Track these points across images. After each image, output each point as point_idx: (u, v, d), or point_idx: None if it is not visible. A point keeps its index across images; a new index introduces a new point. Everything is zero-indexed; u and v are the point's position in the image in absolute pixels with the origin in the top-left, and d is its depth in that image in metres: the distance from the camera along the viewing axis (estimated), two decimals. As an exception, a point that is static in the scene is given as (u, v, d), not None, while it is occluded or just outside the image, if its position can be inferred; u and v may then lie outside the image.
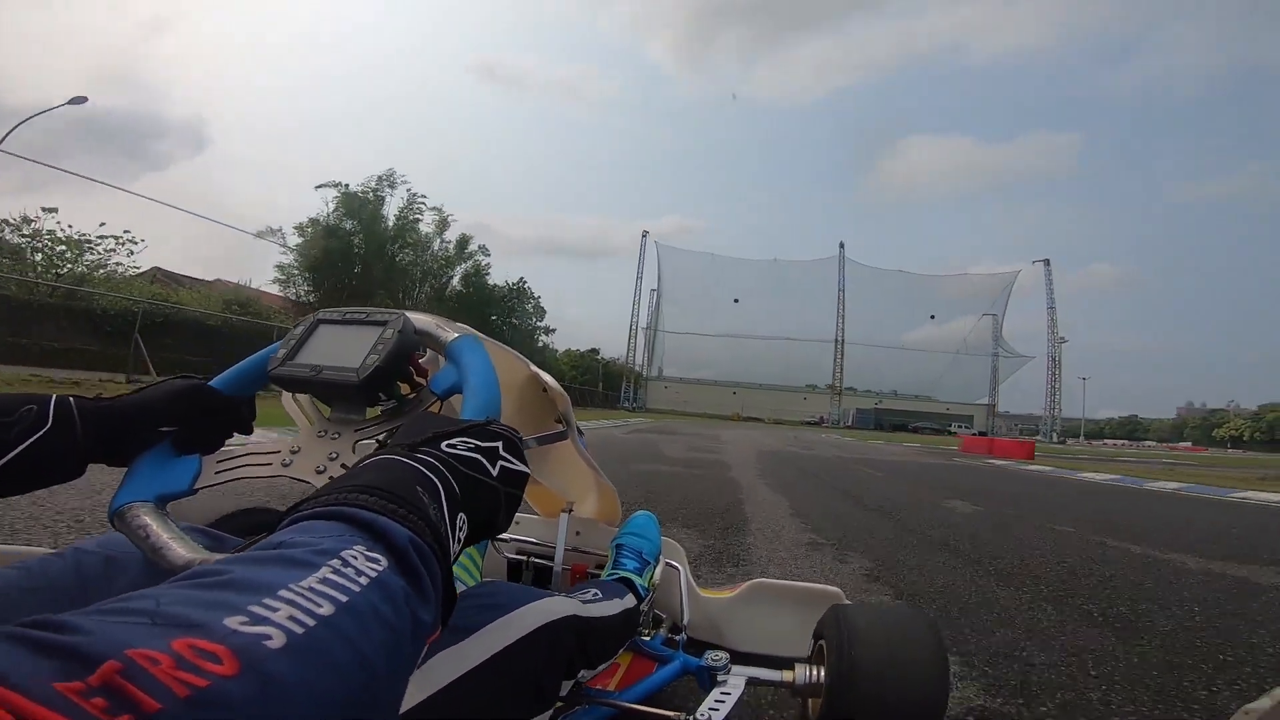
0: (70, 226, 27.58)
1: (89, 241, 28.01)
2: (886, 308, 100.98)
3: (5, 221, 26.57)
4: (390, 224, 43.39)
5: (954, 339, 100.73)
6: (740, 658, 1.47)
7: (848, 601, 1.62)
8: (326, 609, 0.34)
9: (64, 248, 27.57)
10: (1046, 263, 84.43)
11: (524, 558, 1.67)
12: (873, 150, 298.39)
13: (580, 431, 1.45)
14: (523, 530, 1.75)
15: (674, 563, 1.75)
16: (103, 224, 28.60)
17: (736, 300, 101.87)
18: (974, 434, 59.70)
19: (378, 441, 0.87)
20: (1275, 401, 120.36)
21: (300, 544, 0.40)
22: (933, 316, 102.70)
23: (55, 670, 0.25)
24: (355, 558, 0.39)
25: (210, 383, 0.92)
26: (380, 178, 42.95)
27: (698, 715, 1.19)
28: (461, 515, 0.55)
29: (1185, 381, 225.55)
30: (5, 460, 0.71)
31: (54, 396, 0.77)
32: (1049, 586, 3.24)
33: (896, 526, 4.85)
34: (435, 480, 0.54)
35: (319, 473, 0.85)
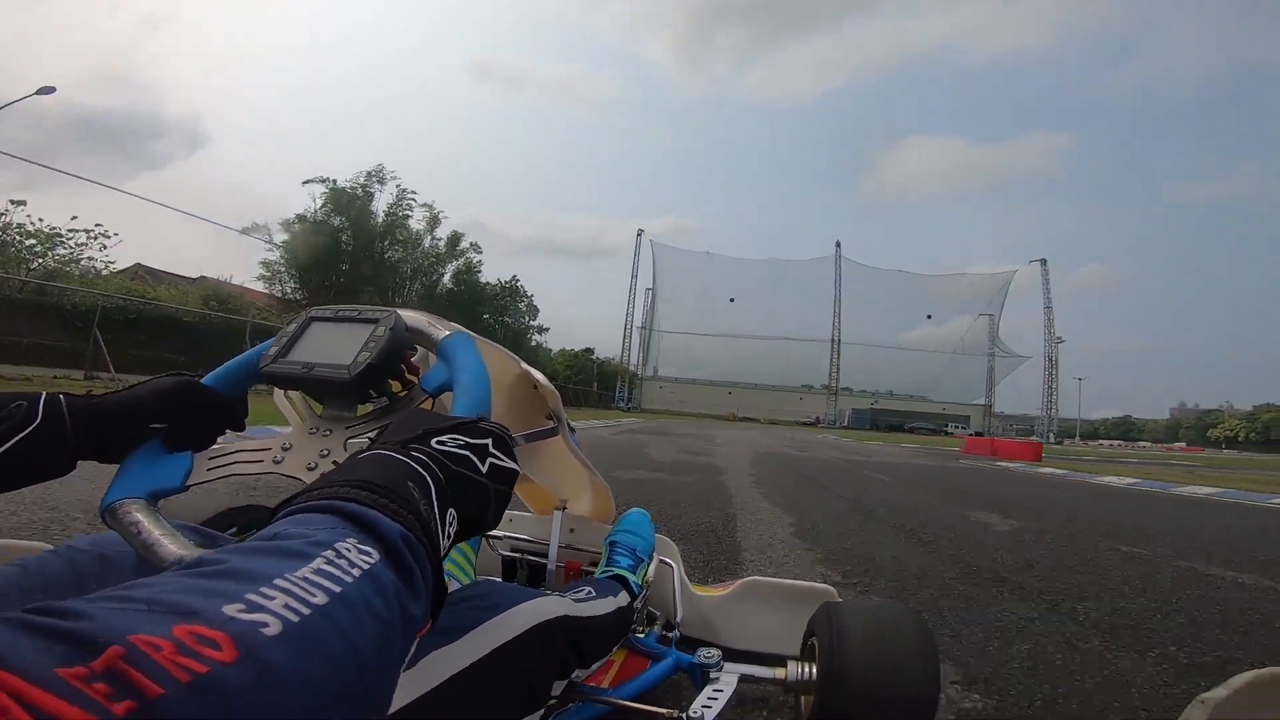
0: (40, 220, 26.86)
1: (59, 235, 27.23)
2: (883, 307, 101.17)
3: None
4: (380, 220, 43.02)
5: (950, 339, 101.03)
6: (733, 655, 1.47)
7: (839, 599, 1.63)
8: (321, 599, 0.34)
9: (33, 241, 26.73)
10: (1043, 262, 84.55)
11: (518, 555, 1.67)
12: (870, 150, 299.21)
13: (572, 428, 1.45)
14: (516, 528, 1.76)
15: (667, 560, 1.76)
16: (74, 218, 27.98)
17: (732, 300, 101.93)
18: (971, 434, 59.78)
19: (369, 439, 0.87)
20: (1270, 402, 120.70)
21: (295, 535, 0.40)
22: (929, 316, 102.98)
23: (58, 656, 0.25)
24: (348, 550, 0.39)
25: (202, 380, 0.92)
26: (369, 173, 42.65)
27: (690, 712, 1.19)
28: (451, 511, 0.56)
29: (1178, 382, 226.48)
30: None
31: (44, 393, 0.77)
32: (1187, 649, 2.39)
33: (926, 552, 4.00)
34: (426, 476, 0.54)
35: (310, 470, 0.85)
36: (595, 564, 1.58)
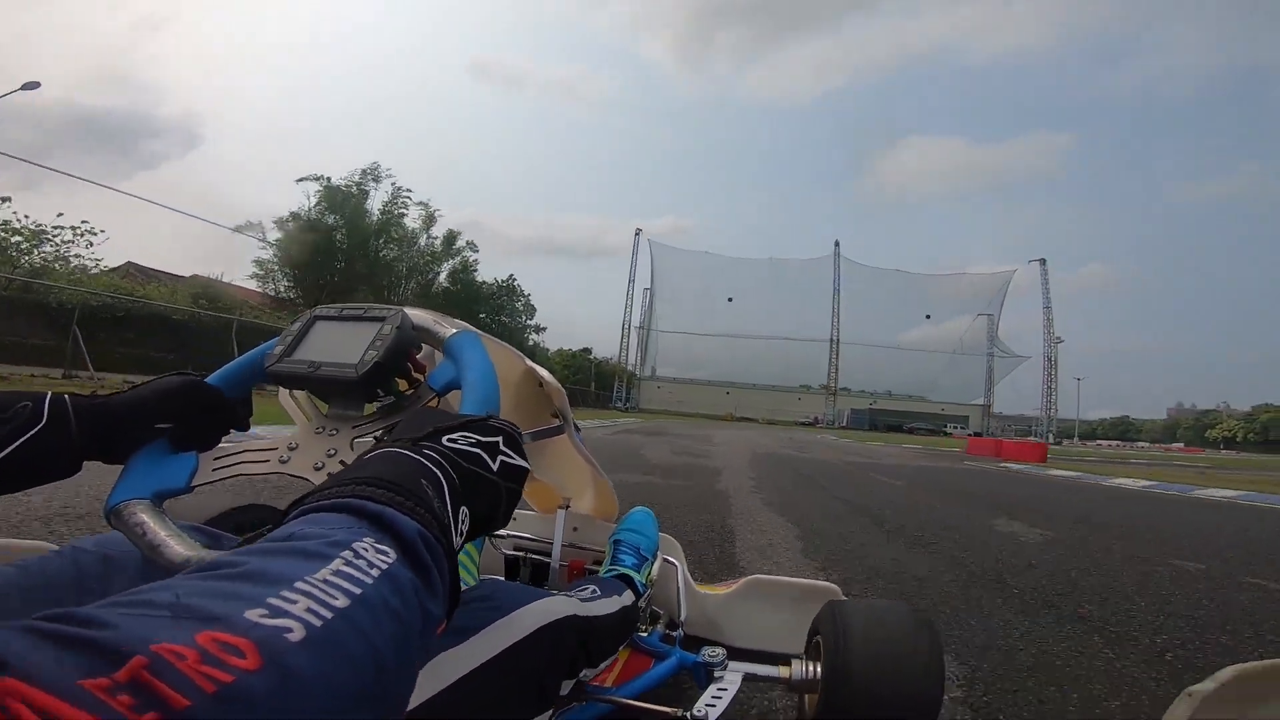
0: (27, 217, 26.36)
1: (45, 233, 26.69)
2: (882, 307, 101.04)
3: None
4: (375, 219, 42.76)
5: (949, 339, 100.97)
6: (737, 654, 1.47)
7: (844, 598, 1.63)
8: (341, 601, 0.34)
9: (19, 239, 26.21)
10: (1042, 262, 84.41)
11: (521, 554, 1.67)
12: (870, 150, 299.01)
13: (577, 427, 1.45)
14: (520, 526, 1.76)
15: (671, 559, 1.76)
16: (60, 214, 27.39)
17: (731, 299, 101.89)
18: (970, 435, 59.82)
19: (375, 438, 0.87)
20: (1268, 402, 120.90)
21: (312, 536, 0.40)
22: (928, 316, 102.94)
23: (80, 666, 0.25)
24: (366, 550, 0.39)
25: (207, 379, 0.92)
26: (364, 171, 42.37)
27: (694, 711, 1.19)
28: (464, 509, 0.55)
29: (1175, 382, 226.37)
30: None
31: (49, 394, 0.77)
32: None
33: (953, 567, 3.64)
34: (439, 474, 0.54)
35: (317, 469, 0.85)
36: (599, 563, 1.58)
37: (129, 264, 35.79)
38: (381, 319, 0.92)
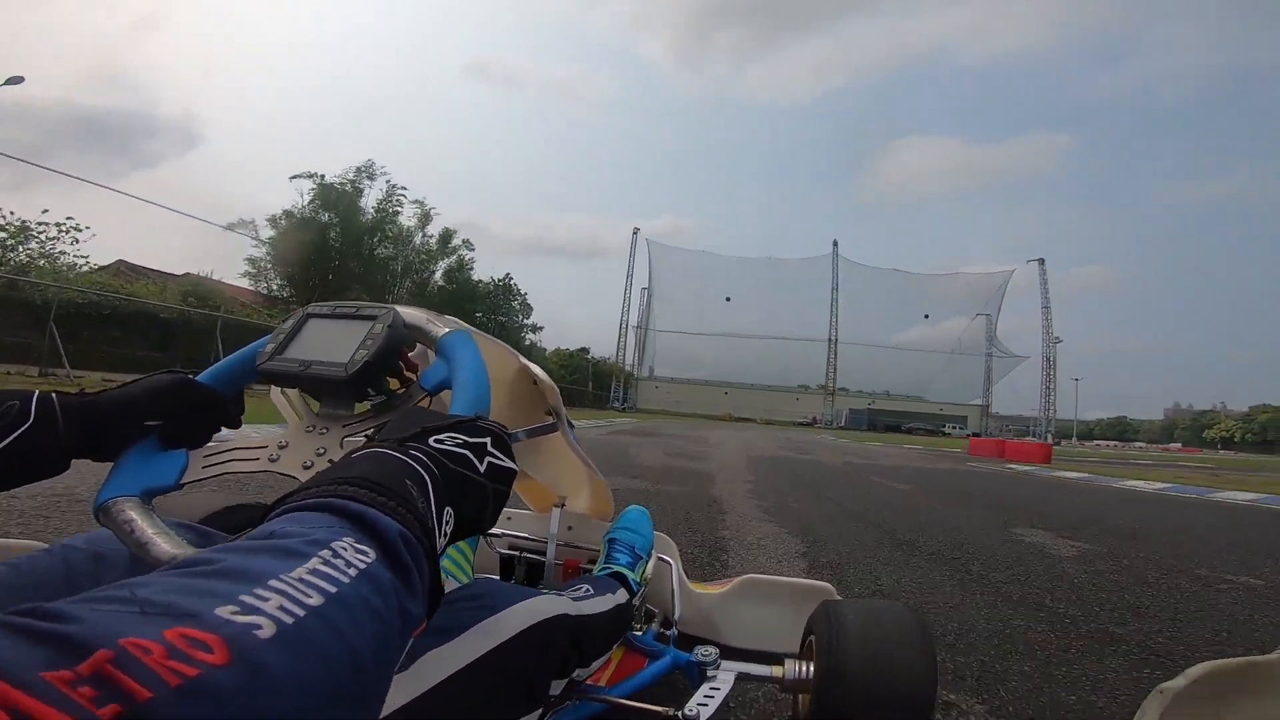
0: (12, 213, 26.13)
1: (30, 229, 26.41)
2: (880, 307, 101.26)
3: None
4: (369, 216, 42.51)
5: (948, 339, 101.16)
6: (731, 653, 1.47)
7: (838, 598, 1.63)
8: (316, 599, 0.34)
9: (3, 234, 25.93)
10: (1041, 262, 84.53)
11: (516, 553, 1.67)
12: (868, 150, 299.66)
13: (571, 425, 1.45)
14: (515, 525, 1.75)
15: (666, 557, 1.76)
16: (45, 210, 27.12)
17: (729, 299, 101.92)
18: (969, 435, 59.90)
19: (366, 437, 0.87)
20: (1266, 403, 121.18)
21: (291, 534, 0.39)
22: (927, 316, 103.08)
23: (44, 659, 0.25)
24: (345, 549, 0.39)
25: (197, 377, 0.92)
26: (359, 169, 42.17)
27: (687, 710, 1.19)
28: (449, 510, 0.55)
29: (1172, 383, 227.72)
30: None
31: (36, 392, 0.76)
32: None
33: (985, 589, 3.19)
34: (424, 474, 0.54)
35: (306, 468, 0.85)
36: (594, 561, 1.57)
37: (120, 262, 35.58)
38: (373, 318, 0.91)
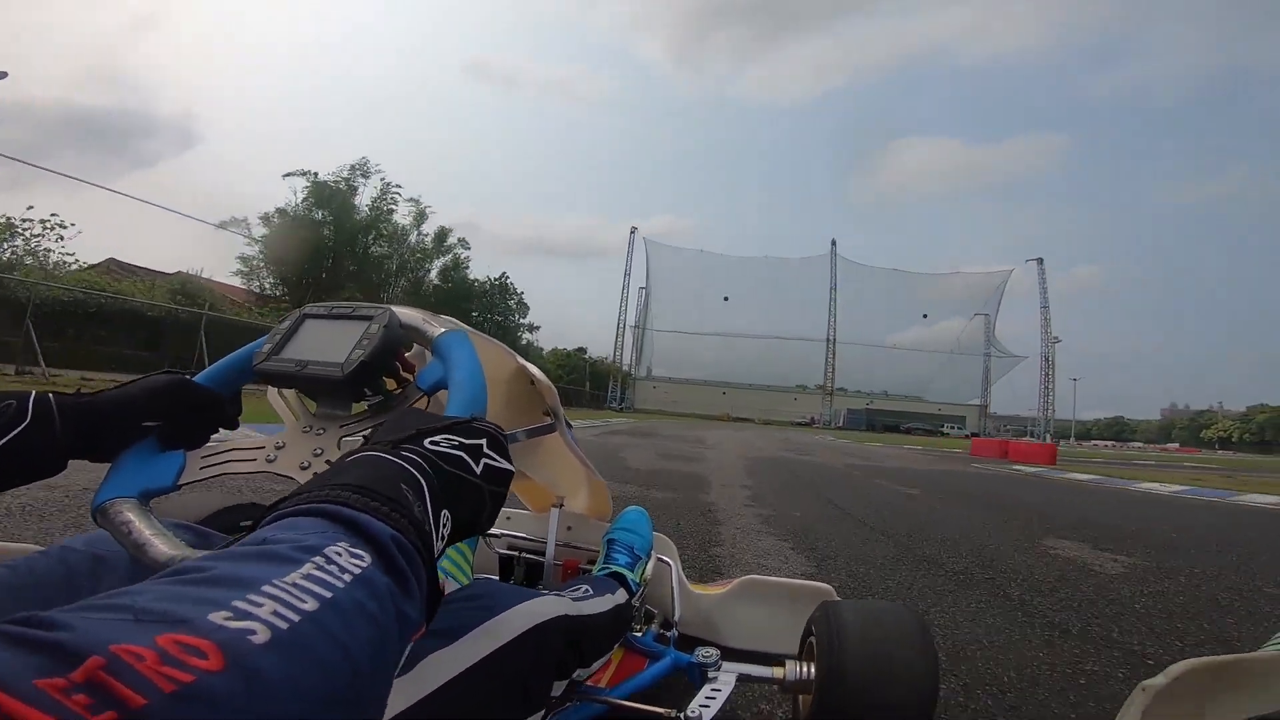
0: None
1: (14, 226, 25.60)
2: (879, 307, 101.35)
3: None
4: (364, 215, 42.16)
5: (946, 339, 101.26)
6: (731, 654, 1.47)
7: (838, 598, 1.63)
8: (310, 605, 0.34)
9: None
10: (1040, 261, 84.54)
11: (515, 553, 1.67)
12: (867, 150, 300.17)
13: (569, 425, 1.44)
14: (514, 526, 1.75)
15: (665, 558, 1.75)
16: (30, 207, 26.23)
17: (726, 299, 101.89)
18: (968, 435, 59.98)
19: (363, 437, 0.86)
20: (1263, 403, 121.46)
21: (284, 540, 0.39)
22: (925, 316, 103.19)
23: (37, 667, 0.25)
24: (339, 554, 0.39)
25: (195, 378, 0.91)
26: (353, 167, 41.82)
27: (688, 712, 1.19)
28: (445, 512, 0.55)
29: (1168, 383, 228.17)
30: None
31: (33, 392, 0.76)
32: None
33: (1035, 619, 2.75)
34: (419, 477, 0.54)
35: (303, 469, 0.84)
36: (593, 562, 1.57)
37: (110, 260, 35.30)
38: (369, 318, 0.91)
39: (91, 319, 20.52)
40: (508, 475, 0.66)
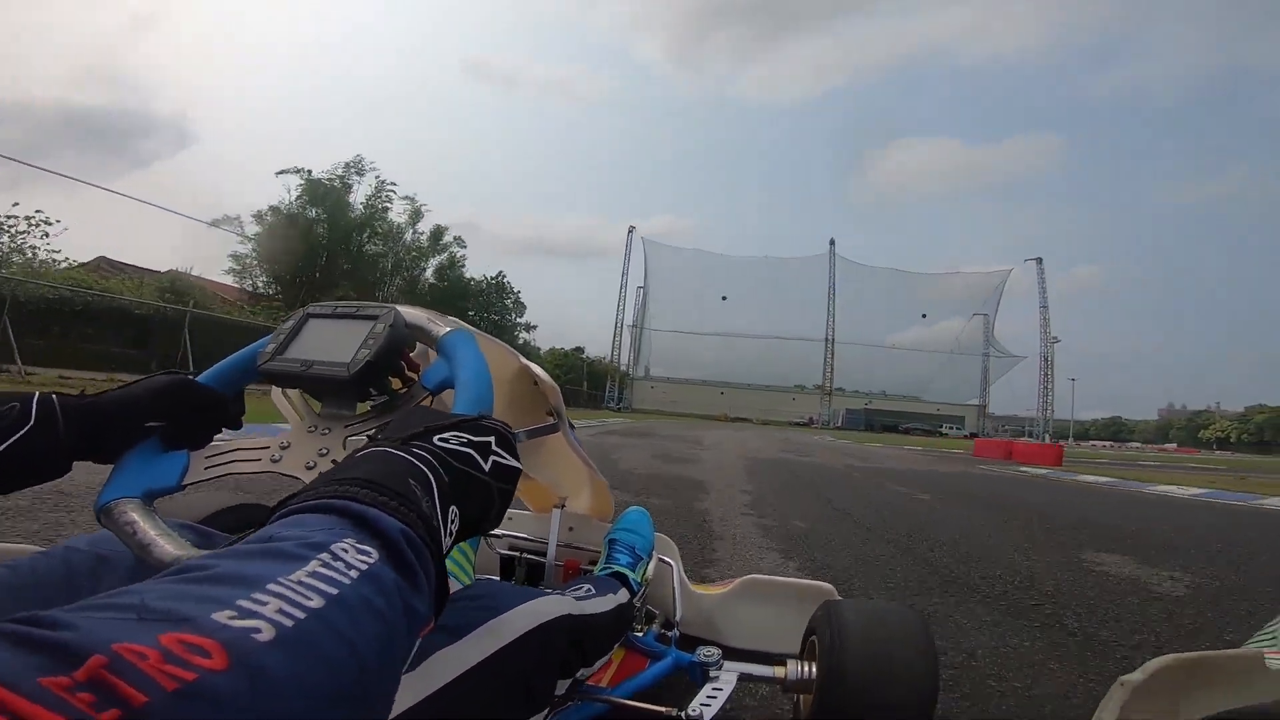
0: None
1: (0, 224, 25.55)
2: (877, 307, 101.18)
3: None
4: (358, 213, 41.61)
5: (945, 339, 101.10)
6: (733, 653, 1.47)
7: (840, 598, 1.63)
8: (316, 602, 0.34)
9: None
10: (1039, 261, 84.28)
11: (516, 554, 1.67)
12: (866, 150, 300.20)
13: (572, 425, 1.44)
14: (515, 526, 1.75)
15: (667, 558, 1.76)
16: (16, 204, 26.01)
17: (725, 298, 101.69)
18: (969, 435, 59.96)
19: (368, 437, 0.86)
20: (1261, 403, 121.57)
21: (289, 537, 0.39)
22: (924, 315, 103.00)
23: (41, 665, 0.25)
24: (345, 551, 0.39)
25: (198, 378, 0.91)
26: (347, 164, 41.18)
27: (689, 711, 1.19)
28: (453, 509, 0.55)
29: (1166, 383, 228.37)
30: None
31: (36, 394, 0.76)
32: None
33: (1107, 660, 2.32)
34: (428, 473, 0.53)
35: (309, 469, 0.84)
36: (594, 562, 1.58)
37: (100, 258, 35.09)
38: (374, 317, 0.91)
39: (78, 317, 20.30)
40: (516, 473, 0.66)
